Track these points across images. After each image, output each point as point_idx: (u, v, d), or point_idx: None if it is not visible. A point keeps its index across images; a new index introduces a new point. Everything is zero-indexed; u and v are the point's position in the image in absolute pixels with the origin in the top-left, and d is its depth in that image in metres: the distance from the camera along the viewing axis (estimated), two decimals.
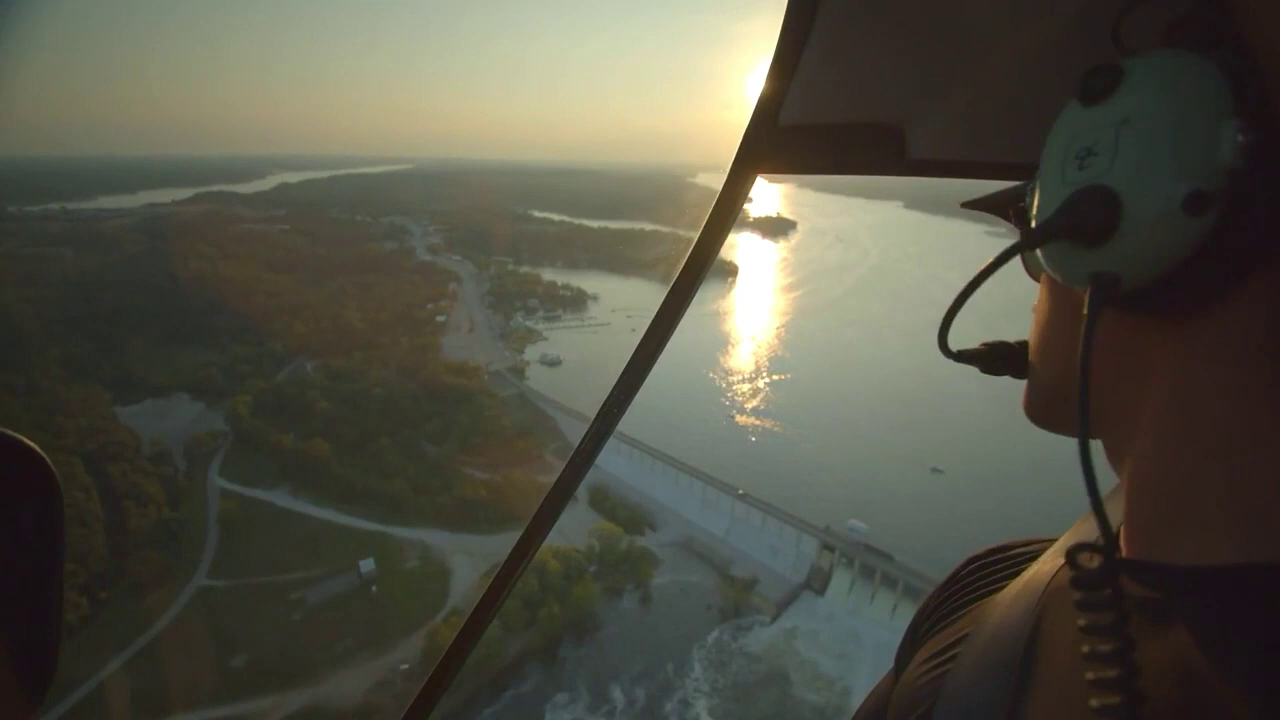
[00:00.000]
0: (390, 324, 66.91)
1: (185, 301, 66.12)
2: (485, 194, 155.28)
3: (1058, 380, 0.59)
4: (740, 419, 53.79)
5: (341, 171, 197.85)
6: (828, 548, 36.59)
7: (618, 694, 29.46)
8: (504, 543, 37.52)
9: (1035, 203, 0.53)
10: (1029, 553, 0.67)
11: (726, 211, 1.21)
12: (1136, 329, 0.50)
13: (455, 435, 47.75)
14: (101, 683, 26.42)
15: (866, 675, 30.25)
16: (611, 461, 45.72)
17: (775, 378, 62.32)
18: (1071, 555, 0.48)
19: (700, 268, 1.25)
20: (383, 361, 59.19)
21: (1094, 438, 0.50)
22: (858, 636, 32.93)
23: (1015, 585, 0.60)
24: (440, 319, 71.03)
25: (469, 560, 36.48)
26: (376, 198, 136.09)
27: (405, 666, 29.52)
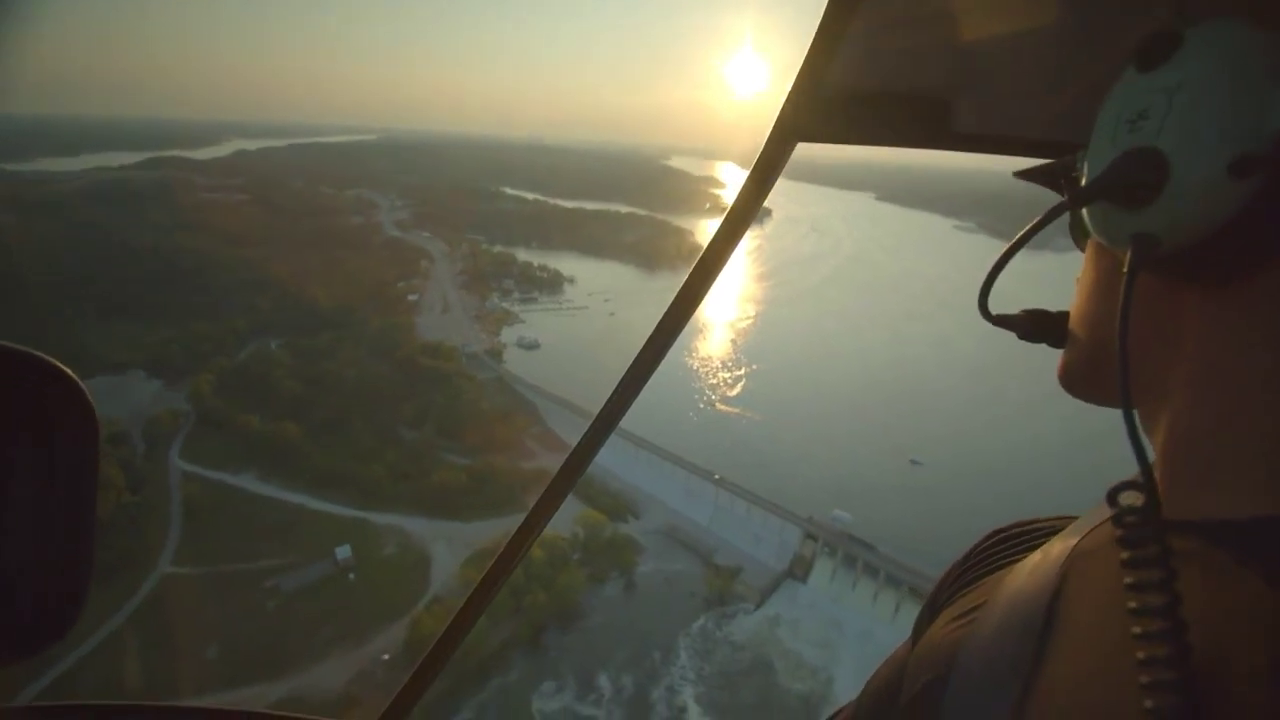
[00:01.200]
0: (360, 302, 64.66)
1: (140, 273, 62.47)
2: (454, 169, 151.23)
3: (1098, 348, 0.58)
4: (722, 408, 53.89)
5: (302, 140, 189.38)
6: (811, 537, 37.04)
7: (604, 682, 29.36)
8: (484, 530, 36.89)
9: (1085, 167, 0.54)
10: (1050, 527, 0.68)
11: (762, 180, 1.17)
12: (1173, 294, 0.50)
13: (433, 419, 46.57)
14: (64, 674, 24.92)
15: (849, 663, 30.84)
16: None
17: (754, 367, 62.58)
18: (1113, 494, 0.49)
19: (732, 237, 1.23)
20: (354, 341, 57.20)
21: (1131, 407, 0.51)
22: (840, 625, 33.50)
23: (1036, 555, 0.61)
24: (412, 298, 69.05)
25: (449, 547, 35.69)
26: (340, 169, 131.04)
27: (387, 657, 28.76)
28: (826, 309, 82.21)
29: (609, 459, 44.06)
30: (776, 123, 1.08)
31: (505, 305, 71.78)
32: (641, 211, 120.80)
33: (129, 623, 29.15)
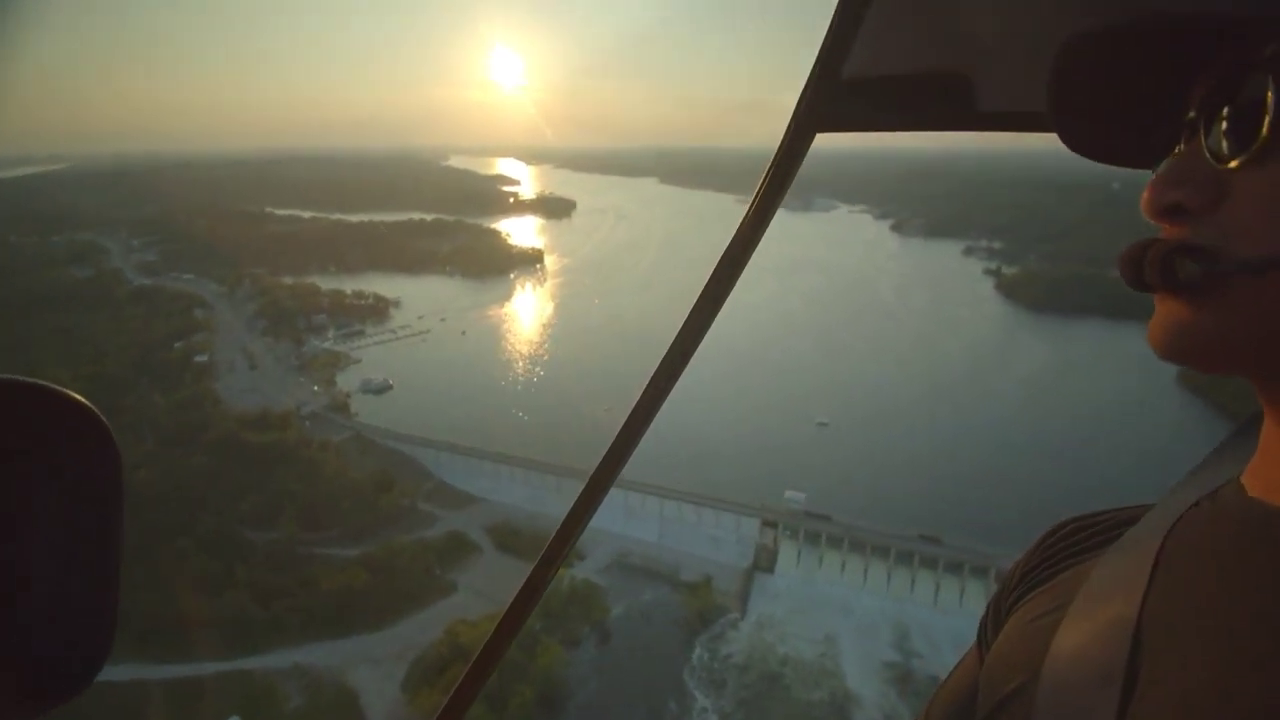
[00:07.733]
0: (126, 378, 49.11)
1: None
2: (196, 193, 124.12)
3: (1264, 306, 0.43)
4: (609, 412, 50.79)
5: None
6: (769, 524, 36.13)
7: None
8: (413, 631, 29.96)
9: None
10: (1117, 518, 0.63)
11: (784, 175, 1.12)
12: None
13: (289, 509, 36.70)
14: None
15: (847, 645, 30.58)
16: (505, 490, 39.60)
17: (627, 364, 60.24)
18: None
19: (755, 234, 1.19)
20: (134, 431, 43.12)
21: (1237, 374, 0.44)
22: (819, 605, 33.08)
23: (1119, 545, 0.56)
24: (200, 359, 54.47)
25: (376, 670, 28.10)
26: (30, 210, 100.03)
27: None
28: (662, 294, 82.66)
29: (524, 498, 39.04)
30: (795, 115, 1.03)
31: (328, 346, 60.16)
32: (449, 217, 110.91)
33: None
